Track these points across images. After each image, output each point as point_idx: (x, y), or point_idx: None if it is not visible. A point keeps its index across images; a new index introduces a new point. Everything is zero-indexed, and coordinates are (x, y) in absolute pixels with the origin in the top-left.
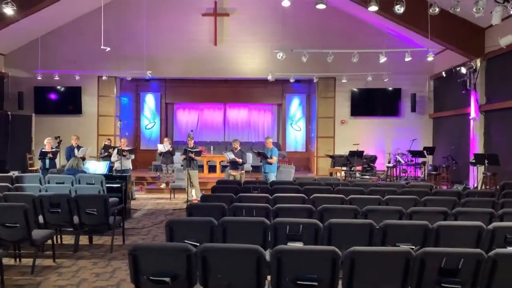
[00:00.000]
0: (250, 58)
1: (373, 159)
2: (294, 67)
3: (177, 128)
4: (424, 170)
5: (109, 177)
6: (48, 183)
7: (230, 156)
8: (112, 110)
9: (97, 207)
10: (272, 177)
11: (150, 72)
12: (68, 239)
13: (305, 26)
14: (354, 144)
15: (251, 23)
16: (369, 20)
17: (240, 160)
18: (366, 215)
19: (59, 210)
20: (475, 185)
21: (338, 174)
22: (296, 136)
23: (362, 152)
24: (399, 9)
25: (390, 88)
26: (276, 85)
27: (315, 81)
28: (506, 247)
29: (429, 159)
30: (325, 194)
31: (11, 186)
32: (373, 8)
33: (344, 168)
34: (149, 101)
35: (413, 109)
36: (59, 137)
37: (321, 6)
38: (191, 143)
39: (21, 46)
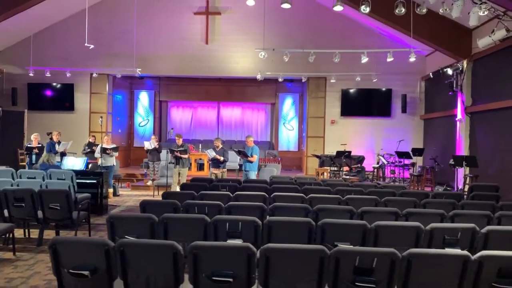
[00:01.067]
0: (241, 57)
1: (361, 159)
2: (286, 67)
3: (171, 126)
4: (413, 171)
5: (84, 173)
6: (20, 178)
7: (211, 153)
8: (104, 107)
9: (60, 202)
10: (253, 175)
11: (140, 69)
12: (36, 233)
13: (298, 26)
14: (341, 144)
15: (243, 22)
16: (361, 20)
17: (222, 158)
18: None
19: (23, 205)
20: (460, 187)
21: (326, 174)
22: (289, 135)
23: (350, 152)
24: (365, 9)
25: (381, 89)
26: (269, 84)
27: (303, 80)
28: (444, 247)
29: (418, 160)
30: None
31: None
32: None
33: (333, 168)
34: (143, 98)
35: (404, 110)
36: (51, 133)
37: (286, 6)
38: (180, 141)
39: (15, 43)
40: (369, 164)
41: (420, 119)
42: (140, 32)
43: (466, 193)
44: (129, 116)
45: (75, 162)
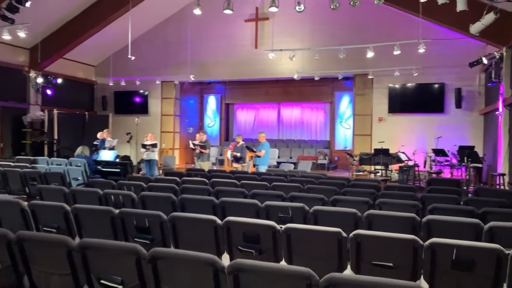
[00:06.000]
0: (287, 58)
1: (398, 158)
2: (331, 65)
3: (236, 127)
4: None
5: (112, 163)
6: (52, 164)
7: (228, 153)
8: (172, 110)
9: (58, 182)
10: (262, 169)
11: (193, 76)
12: None
13: (342, 23)
14: (379, 142)
15: (289, 25)
16: (402, 12)
17: (238, 155)
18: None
19: (35, 183)
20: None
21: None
22: (345, 134)
23: (387, 150)
24: None
25: (432, 83)
26: (325, 83)
27: (339, 78)
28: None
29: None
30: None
31: (28, 165)
32: None
33: (378, 167)
34: (211, 102)
35: (458, 105)
36: (129, 132)
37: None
38: (203, 138)
39: (105, 58)
40: (421, 163)
41: (479, 114)
42: (201, 41)
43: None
44: (199, 118)
45: (107, 155)
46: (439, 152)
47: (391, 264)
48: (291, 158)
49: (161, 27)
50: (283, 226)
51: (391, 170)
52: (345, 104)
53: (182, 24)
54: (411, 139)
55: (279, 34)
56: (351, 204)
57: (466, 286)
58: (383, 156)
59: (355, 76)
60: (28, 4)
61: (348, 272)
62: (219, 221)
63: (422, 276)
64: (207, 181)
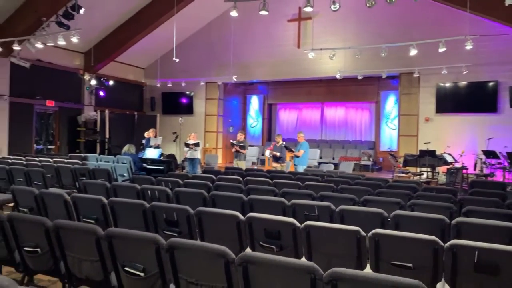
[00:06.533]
0: (330, 57)
1: (445, 160)
2: (375, 64)
3: (279, 127)
4: None
5: (157, 161)
6: (100, 161)
7: (267, 152)
8: (216, 110)
9: (105, 178)
10: (301, 169)
11: (236, 77)
12: None
13: (386, 21)
14: (425, 143)
15: (333, 24)
16: (450, 7)
17: (278, 154)
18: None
19: (84, 178)
20: None
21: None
22: (391, 134)
23: (433, 151)
24: None
25: (484, 81)
26: (370, 82)
27: (383, 77)
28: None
29: None
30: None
31: (79, 161)
32: None
33: (424, 169)
34: (254, 102)
35: None
36: (175, 132)
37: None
38: (241, 138)
39: (153, 61)
40: (470, 166)
41: None
42: (240, 43)
43: None
44: (242, 118)
45: (152, 153)
46: (489, 154)
47: (410, 265)
48: (333, 158)
49: (205, 30)
50: (303, 224)
51: (438, 172)
52: (391, 104)
53: (225, 27)
54: (460, 140)
55: (322, 34)
56: (381, 204)
57: None
58: (429, 157)
59: (401, 75)
60: (82, 11)
61: (367, 271)
62: (241, 217)
63: (443, 278)
64: (241, 179)
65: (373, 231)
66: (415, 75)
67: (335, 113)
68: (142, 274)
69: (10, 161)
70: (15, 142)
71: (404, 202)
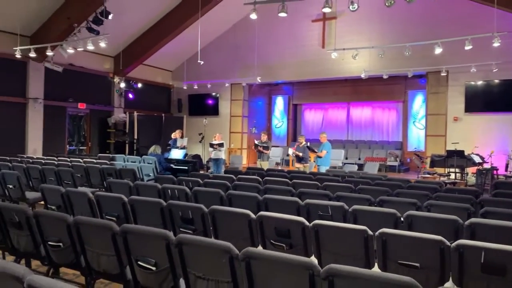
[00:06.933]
0: (356, 57)
1: (473, 161)
2: (402, 63)
3: (304, 127)
4: None
5: (181, 161)
6: (127, 161)
7: (290, 151)
8: (241, 111)
9: (130, 178)
10: (323, 169)
11: (260, 78)
12: None
13: (411, 19)
14: (452, 143)
15: (357, 23)
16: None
17: (300, 154)
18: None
19: (111, 178)
20: None
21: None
22: (419, 134)
23: (462, 151)
24: None
25: None
26: (397, 81)
27: (409, 76)
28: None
29: None
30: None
31: (108, 162)
32: None
33: (453, 170)
34: (279, 103)
35: None
36: (201, 133)
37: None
38: (264, 138)
39: (180, 64)
40: (501, 167)
41: None
42: (265, 44)
43: None
44: (267, 119)
45: (177, 153)
46: None
47: (417, 265)
48: (359, 159)
49: (230, 32)
50: (312, 223)
51: (467, 174)
52: (418, 103)
53: (250, 28)
54: (489, 140)
55: (347, 33)
56: (397, 205)
57: None
58: (457, 158)
59: (428, 74)
60: (110, 17)
61: (375, 270)
62: (253, 215)
63: (450, 278)
64: (260, 179)
65: (380, 230)
66: (442, 74)
67: (362, 113)
68: (154, 268)
69: (43, 161)
70: (49, 143)
71: (421, 203)
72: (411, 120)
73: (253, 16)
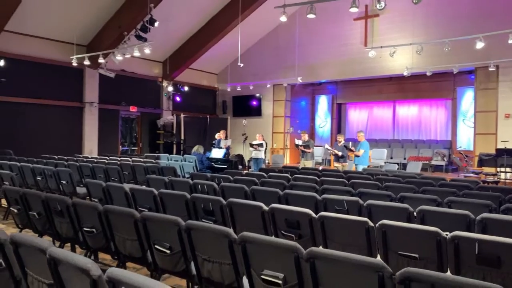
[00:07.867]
0: (398, 55)
1: None
2: (448, 59)
3: (348, 127)
4: None
5: (222, 160)
6: (170, 160)
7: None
8: (283, 112)
9: (171, 175)
10: (360, 168)
11: (301, 78)
12: None
13: (456, 13)
14: (502, 141)
15: (400, 20)
16: None
17: (340, 153)
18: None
19: (154, 175)
20: None
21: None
22: (469, 133)
23: (510, 150)
24: None
25: None
26: (444, 78)
27: (454, 72)
28: None
29: None
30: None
31: (153, 160)
32: None
33: (504, 169)
34: (322, 102)
35: None
36: (245, 133)
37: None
38: (305, 138)
39: (225, 67)
40: None
41: None
42: (306, 44)
43: None
44: (310, 119)
45: (217, 153)
46: None
47: (416, 255)
48: (404, 159)
49: (272, 34)
50: (318, 214)
51: None
52: (468, 100)
53: (291, 29)
54: None
55: (389, 30)
56: (416, 201)
57: (493, 282)
58: (507, 157)
59: (476, 69)
60: (156, 24)
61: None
62: (265, 207)
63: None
64: (290, 176)
65: (380, 222)
66: (490, 69)
67: (408, 111)
68: (168, 251)
69: (95, 160)
70: (103, 144)
71: (441, 200)
72: (461, 118)
73: (283, 18)
